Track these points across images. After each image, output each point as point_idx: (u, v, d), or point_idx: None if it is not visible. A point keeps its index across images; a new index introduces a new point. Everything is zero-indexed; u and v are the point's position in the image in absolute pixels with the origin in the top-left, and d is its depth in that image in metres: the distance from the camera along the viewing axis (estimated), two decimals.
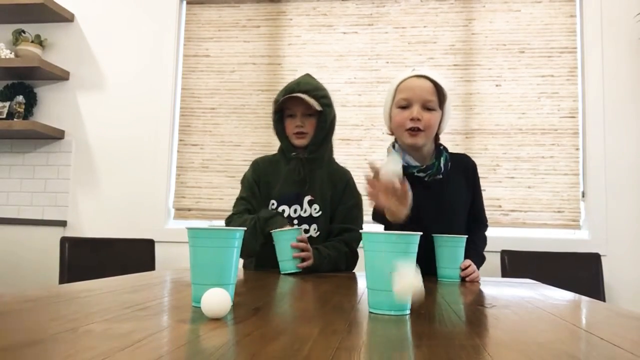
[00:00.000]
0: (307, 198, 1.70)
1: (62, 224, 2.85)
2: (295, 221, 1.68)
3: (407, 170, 1.54)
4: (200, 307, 0.83)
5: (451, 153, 1.65)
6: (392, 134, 1.62)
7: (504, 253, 2.44)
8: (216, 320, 0.73)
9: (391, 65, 2.80)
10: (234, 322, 0.73)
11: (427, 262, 1.30)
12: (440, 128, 1.58)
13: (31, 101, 2.94)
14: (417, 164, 1.58)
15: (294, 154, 1.74)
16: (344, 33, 2.86)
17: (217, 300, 0.73)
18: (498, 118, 2.69)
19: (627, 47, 2.60)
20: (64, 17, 2.96)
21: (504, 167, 2.65)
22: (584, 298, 1.18)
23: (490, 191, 2.64)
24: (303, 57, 2.87)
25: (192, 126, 2.91)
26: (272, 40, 2.91)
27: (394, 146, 1.64)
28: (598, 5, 2.63)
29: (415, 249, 0.83)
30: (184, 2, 3.00)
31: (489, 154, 2.67)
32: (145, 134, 2.89)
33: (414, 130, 1.50)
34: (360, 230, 0.91)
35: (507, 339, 0.67)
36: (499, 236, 2.58)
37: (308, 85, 1.71)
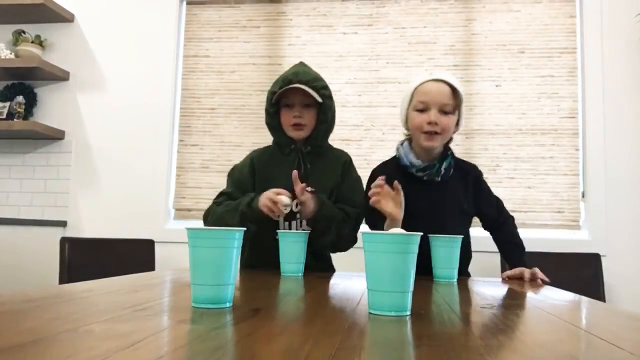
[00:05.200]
0: (309, 189, 1.63)
1: (62, 224, 2.85)
2: (299, 215, 1.64)
3: (407, 169, 1.62)
4: (200, 307, 0.83)
5: (458, 159, 1.67)
6: (409, 133, 1.65)
7: None
8: (216, 320, 0.73)
9: (391, 66, 2.80)
10: (233, 322, 0.73)
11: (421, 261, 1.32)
12: (457, 127, 1.62)
13: (31, 101, 2.94)
14: (419, 162, 1.62)
15: (292, 146, 1.68)
16: (344, 33, 2.86)
17: None
18: (498, 118, 2.69)
19: (627, 47, 2.60)
20: (64, 17, 2.96)
21: (503, 168, 2.65)
22: (584, 298, 1.18)
23: None
24: (303, 57, 2.86)
25: (192, 126, 2.91)
26: (272, 40, 2.91)
27: (402, 144, 1.67)
28: (598, 5, 2.63)
29: (416, 249, 0.84)
30: (184, 2, 3.00)
31: (488, 154, 2.67)
32: (145, 135, 2.89)
33: (431, 134, 1.54)
34: (361, 230, 0.90)
35: (507, 339, 0.67)
36: None
37: (307, 76, 1.64)
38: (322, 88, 1.65)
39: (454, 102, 1.55)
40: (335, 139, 2.80)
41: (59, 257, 2.21)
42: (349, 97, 2.81)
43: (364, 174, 2.76)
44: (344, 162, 1.76)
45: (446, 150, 1.65)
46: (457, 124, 1.62)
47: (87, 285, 1.09)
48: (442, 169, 1.60)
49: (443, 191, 1.63)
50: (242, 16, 2.95)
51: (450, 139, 1.65)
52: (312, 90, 1.61)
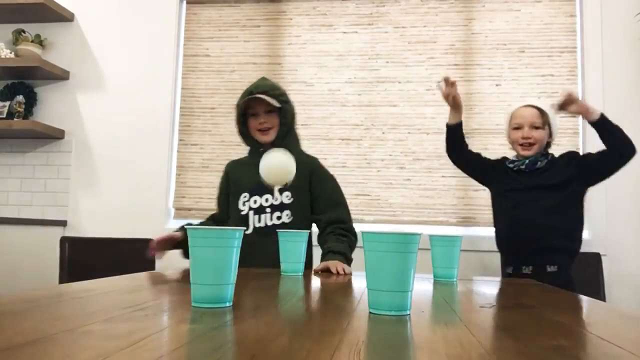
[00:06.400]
0: (278, 186, 1.83)
1: (62, 223, 2.85)
2: (268, 209, 1.83)
3: (505, 163, 2.11)
4: (200, 307, 0.83)
5: (558, 156, 2.06)
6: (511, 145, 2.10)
7: None
8: (216, 320, 0.73)
9: (391, 65, 2.80)
10: (233, 321, 0.73)
11: None
12: (551, 138, 2.07)
13: (31, 101, 2.94)
14: (514, 158, 2.08)
15: (262, 149, 1.86)
16: (344, 33, 2.86)
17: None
18: (498, 118, 2.68)
19: (627, 47, 2.59)
20: (64, 17, 2.96)
21: None
22: (584, 298, 1.18)
23: None
24: (303, 56, 2.86)
25: (192, 126, 2.91)
26: (272, 40, 2.91)
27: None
28: (598, 5, 2.63)
29: (416, 248, 0.83)
30: (184, 2, 3.00)
31: (488, 153, 2.65)
32: (145, 134, 2.89)
33: (526, 146, 2.01)
34: (361, 230, 0.90)
35: (507, 339, 0.67)
36: None
37: (265, 87, 1.89)
38: (280, 95, 1.89)
39: (542, 119, 2.01)
40: (335, 139, 2.81)
41: (59, 256, 2.20)
42: (349, 97, 2.81)
43: (364, 173, 2.78)
44: (312, 169, 1.92)
45: (544, 152, 2.05)
46: (551, 135, 2.06)
47: (87, 285, 1.09)
48: (527, 161, 2.01)
49: (533, 177, 2.01)
50: (242, 15, 2.95)
51: (548, 146, 2.07)
52: (271, 97, 1.85)
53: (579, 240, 1.99)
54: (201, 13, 2.98)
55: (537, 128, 2.01)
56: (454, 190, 2.67)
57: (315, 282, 1.35)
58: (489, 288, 1.34)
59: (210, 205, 2.83)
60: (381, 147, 2.75)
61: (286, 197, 1.84)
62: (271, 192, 1.84)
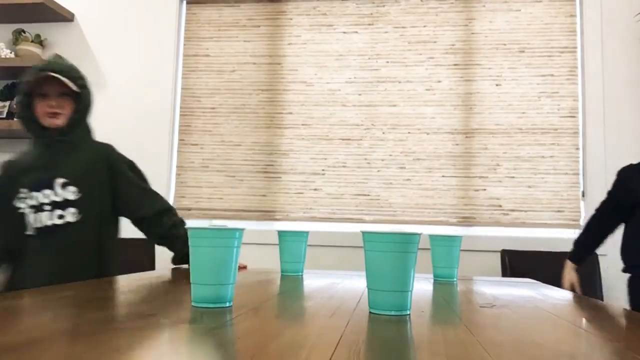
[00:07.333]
0: (60, 181, 1.54)
1: None
2: (49, 207, 1.52)
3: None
4: (200, 307, 0.83)
5: None
6: None
7: (504, 253, 2.44)
8: (216, 320, 0.73)
9: (391, 65, 2.80)
10: (234, 321, 0.73)
11: None
12: None
13: None
14: None
15: (49, 138, 1.59)
16: (344, 32, 2.86)
17: None
18: (498, 117, 2.69)
19: (627, 47, 2.59)
20: (64, 17, 2.96)
21: (504, 167, 2.65)
22: (583, 297, 1.18)
23: (491, 191, 2.64)
24: (303, 56, 2.87)
25: (192, 126, 2.91)
26: (272, 39, 2.91)
27: None
28: (598, 5, 2.63)
29: (416, 248, 0.84)
30: (184, 2, 3.00)
31: (488, 153, 2.67)
32: (145, 134, 2.89)
33: None
34: (361, 230, 0.90)
35: (507, 339, 0.67)
36: (499, 236, 2.58)
37: (62, 66, 1.60)
38: (79, 78, 1.60)
39: None
40: (335, 139, 2.81)
41: None
42: (349, 96, 2.81)
43: (364, 173, 2.78)
44: (108, 158, 1.67)
45: None
46: None
47: (87, 285, 1.09)
48: None
49: None
50: (242, 15, 2.95)
51: None
52: (68, 79, 1.56)
53: None
54: (201, 13, 2.98)
55: None
56: (454, 190, 2.67)
57: (316, 282, 1.35)
58: (489, 288, 1.34)
59: (211, 204, 2.83)
60: (381, 147, 2.75)
61: (71, 193, 1.54)
62: (51, 187, 1.54)
